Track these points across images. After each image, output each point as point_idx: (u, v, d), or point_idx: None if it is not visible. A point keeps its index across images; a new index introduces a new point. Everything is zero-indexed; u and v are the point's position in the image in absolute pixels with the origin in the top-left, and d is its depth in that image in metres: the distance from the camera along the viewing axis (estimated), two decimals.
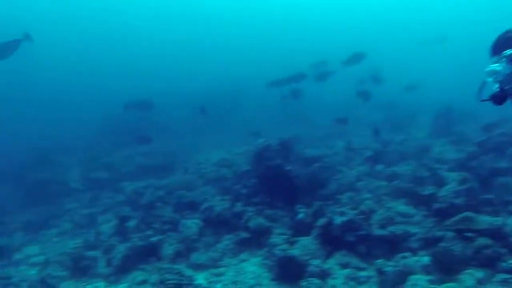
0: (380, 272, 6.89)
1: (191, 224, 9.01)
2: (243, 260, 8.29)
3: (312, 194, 9.75)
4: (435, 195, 8.52)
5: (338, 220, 7.77)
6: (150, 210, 9.71)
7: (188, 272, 8.11)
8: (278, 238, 7.67)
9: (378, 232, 7.69)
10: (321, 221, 7.94)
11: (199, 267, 8.21)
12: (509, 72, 2.79)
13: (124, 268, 8.33)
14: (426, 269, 6.81)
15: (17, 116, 22.87)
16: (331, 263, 7.32)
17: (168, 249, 8.59)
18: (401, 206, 8.50)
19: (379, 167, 11.61)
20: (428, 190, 8.67)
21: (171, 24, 45.56)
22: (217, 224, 9.02)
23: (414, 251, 7.42)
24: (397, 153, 12.27)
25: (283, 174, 9.14)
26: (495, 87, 2.96)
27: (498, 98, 2.96)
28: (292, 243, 7.58)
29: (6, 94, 25.60)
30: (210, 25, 45.41)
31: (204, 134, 18.59)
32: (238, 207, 9.07)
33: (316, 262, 7.06)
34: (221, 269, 7.93)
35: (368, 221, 8.00)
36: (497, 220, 7.07)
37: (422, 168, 10.70)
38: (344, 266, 7.29)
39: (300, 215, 8.59)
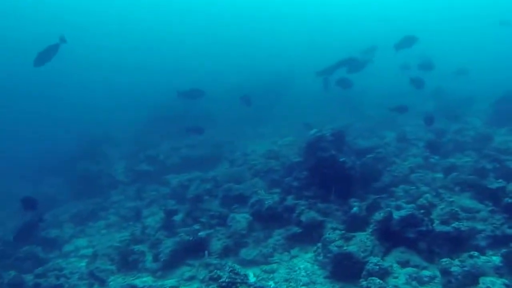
0: (445, 272, 6.27)
1: (240, 218, 8.66)
2: (295, 256, 7.89)
3: (365, 187, 9.20)
4: (505, 189, 7.76)
5: (397, 214, 7.19)
6: (197, 203, 9.44)
7: (236, 267, 7.82)
8: (333, 233, 7.16)
9: (440, 228, 7.04)
10: (379, 216, 7.35)
11: (249, 263, 7.85)
12: None
13: (171, 264, 8.10)
14: (498, 271, 6.15)
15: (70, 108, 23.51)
16: (389, 261, 6.76)
17: (216, 244, 8.28)
18: (465, 200, 7.78)
19: (434, 158, 10.88)
20: (496, 183, 7.90)
21: (220, 22, 45.33)
22: (267, 219, 8.62)
23: (481, 250, 6.76)
24: (454, 143, 11.46)
25: (337, 166, 8.61)
26: None
27: None
28: (347, 239, 7.06)
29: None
30: (252, 21, 44.86)
31: (249, 125, 18.24)
32: (289, 200, 8.62)
33: (375, 260, 6.52)
34: (273, 266, 7.53)
35: (428, 216, 7.35)
36: None
37: (484, 160, 9.93)
38: (404, 264, 6.72)
39: (354, 209, 8.08)
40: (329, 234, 7.21)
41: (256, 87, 21.54)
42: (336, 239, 7.03)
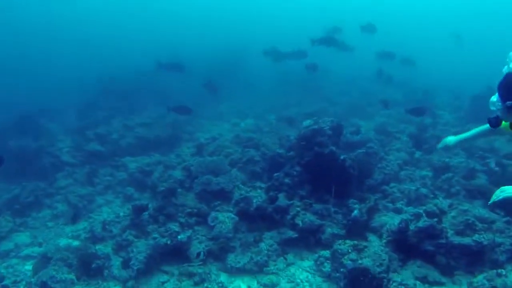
0: None
1: (224, 218, 7.51)
2: (291, 264, 6.95)
3: (359, 185, 8.42)
4: None
5: (413, 225, 6.46)
6: (169, 197, 8.11)
7: (223, 277, 6.76)
8: (343, 244, 6.27)
9: (458, 240, 6.41)
10: (392, 225, 6.62)
11: (238, 271, 6.80)
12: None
13: (145, 271, 6.82)
14: None
15: None
16: (407, 276, 6.04)
17: (197, 248, 7.11)
18: (478, 209, 7.22)
19: (418, 153, 10.40)
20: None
21: None
22: (255, 219, 7.56)
23: (501, 265, 6.24)
24: (437, 139, 10.98)
25: (337, 164, 7.70)
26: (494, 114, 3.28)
27: (493, 123, 3.39)
28: (359, 251, 6.23)
29: None
30: None
31: (205, 103, 16.82)
32: (282, 200, 7.59)
33: (398, 278, 5.76)
34: (271, 278, 6.51)
35: (440, 224, 6.70)
36: None
37: (473, 160, 9.57)
38: (423, 280, 6.03)
39: (355, 212, 7.28)
40: (339, 245, 6.31)
41: (211, 63, 20.12)
42: (349, 251, 6.16)
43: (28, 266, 7.57)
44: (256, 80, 19.24)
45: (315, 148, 7.83)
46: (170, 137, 12.99)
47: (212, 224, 7.50)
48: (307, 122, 8.26)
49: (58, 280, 6.61)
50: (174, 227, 7.39)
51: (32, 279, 6.83)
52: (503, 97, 3.06)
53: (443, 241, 6.28)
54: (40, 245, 8.36)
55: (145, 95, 16.30)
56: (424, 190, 8.34)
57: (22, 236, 8.68)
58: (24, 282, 6.96)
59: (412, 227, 6.42)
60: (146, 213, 7.78)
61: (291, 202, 7.58)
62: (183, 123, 13.81)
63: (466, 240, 6.34)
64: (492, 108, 3.24)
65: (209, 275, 6.69)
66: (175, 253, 7.13)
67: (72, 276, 6.76)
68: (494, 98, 3.19)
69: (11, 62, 25.06)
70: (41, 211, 9.68)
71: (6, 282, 6.94)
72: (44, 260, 7.22)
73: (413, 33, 31.86)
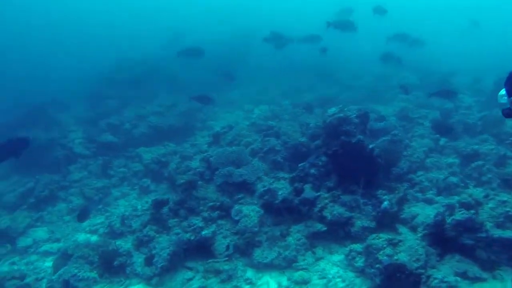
0: None
1: (248, 211, 7.24)
2: (320, 258, 6.69)
3: (387, 175, 8.10)
4: None
5: (450, 218, 6.15)
6: (190, 190, 7.83)
7: (250, 273, 6.51)
8: (378, 239, 6.00)
9: (499, 233, 6.09)
10: (428, 218, 6.34)
11: (266, 267, 6.55)
12: None
13: (169, 268, 6.59)
14: None
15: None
16: (445, 271, 5.75)
17: (222, 243, 6.87)
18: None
19: (442, 140, 10.02)
20: None
21: None
22: (281, 212, 7.27)
23: None
24: (463, 125, 10.60)
25: (365, 154, 7.37)
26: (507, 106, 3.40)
27: (507, 114, 3.41)
28: (394, 245, 5.95)
29: None
30: None
31: (215, 90, 16.40)
32: (308, 191, 7.30)
33: (439, 274, 5.47)
34: (302, 274, 6.25)
35: (477, 216, 6.39)
36: None
37: (503, 146, 9.21)
38: (463, 276, 5.74)
39: (385, 204, 6.96)
40: (373, 239, 6.04)
41: (219, 48, 19.63)
42: (384, 246, 5.88)
43: (48, 263, 7.40)
44: (266, 67, 18.77)
45: (342, 137, 7.49)
46: (183, 126, 12.68)
47: (236, 218, 7.23)
48: (332, 110, 7.91)
49: (80, 278, 6.44)
50: (197, 221, 7.16)
51: (54, 277, 6.64)
52: (509, 93, 3.35)
53: (483, 234, 5.96)
54: (58, 240, 8.17)
55: (155, 83, 15.91)
56: (454, 179, 8.01)
57: (40, 231, 8.49)
58: (45, 280, 6.75)
59: (449, 220, 6.11)
60: (167, 207, 7.52)
61: (318, 193, 7.28)
62: (195, 111, 13.47)
63: (508, 234, 6.02)
64: (501, 101, 3.46)
65: (235, 272, 6.45)
66: (199, 249, 6.90)
67: (94, 274, 6.58)
68: (502, 92, 3.42)
69: (20, 54, 24.75)
70: (56, 205, 9.47)
71: (28, 280, 6.72)
72: (64, 257, 7.03)
73: (426, 17, 31.07)
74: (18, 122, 12.93)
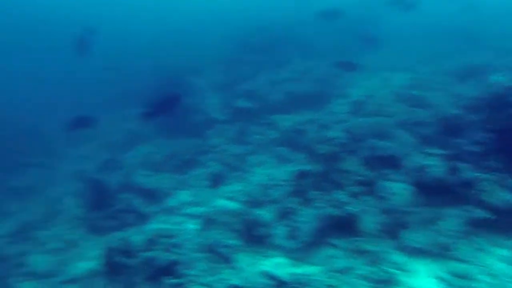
0: None
1: (397, 188, 6.61)
2: (480, 250, 5.83)
3: None
4: None
5: None
6: (332, 162, 7.39)
7: (400, 258, 5.94)
8: None
9: None
10: None
11: (416, 252, 5.93)
12: None
13: (311, 243, 6.32)
14: None
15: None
16: None
17: (369, 222, 6.37)
18: None
19: None
20: None
21: None
22: (434, 192, 6.50)
23: None
24: None
25: None
26: None
27: None
28: None
29: None
30: None
31: (348, 53, 15.49)
32: (466, 171, 6.39)
33: None
34: (465, 267, 5.52)
35: None
36: None
37: None
38: None
39: None
40: None
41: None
42: None
43: (192, 225, 7.63)
44: (395, 31, 17.23)
45: (510, 110, 6.36)
46: (319, 92, 12.21)
47: (383, 195, 6.65)
48: (495, 78, 6.76)
49: (224, 245, 6.47)
50: (342, 196, 6.72)
51: (198, 240, 6.80)
52: None
53: None
54: (199, 204, 8.40)
55: (288, 48, 15.56)
56: None
57: (183, 194, 8.84)
58: (190, 243, 6.95)
59: None
60: (309, 179, 7.20)
61: (478, 174, 6.33)
62: (333, 76, 12.84)
63: None
64: None
65: (383, 254, 5.94)
66: (343, 225, 6.50)
67: (237, 241, 6.57)
68: None
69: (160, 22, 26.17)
70: (196, 169, 9.77)
71: (175, 240, 6.98)
72: (208, 222, 7.17)
73: None
74: (158, 87, 13.65)
